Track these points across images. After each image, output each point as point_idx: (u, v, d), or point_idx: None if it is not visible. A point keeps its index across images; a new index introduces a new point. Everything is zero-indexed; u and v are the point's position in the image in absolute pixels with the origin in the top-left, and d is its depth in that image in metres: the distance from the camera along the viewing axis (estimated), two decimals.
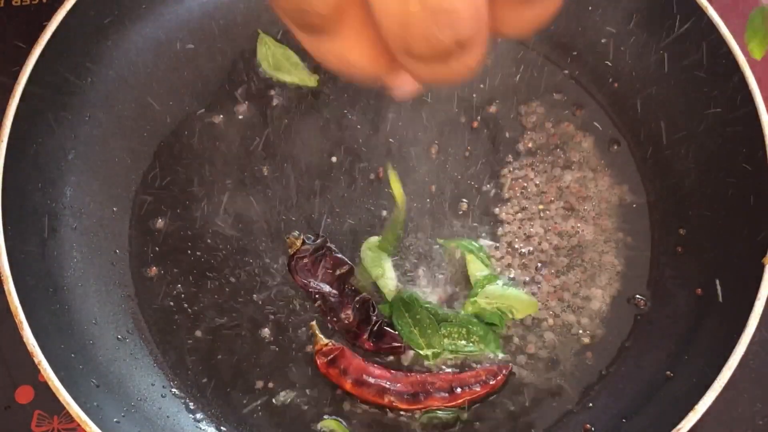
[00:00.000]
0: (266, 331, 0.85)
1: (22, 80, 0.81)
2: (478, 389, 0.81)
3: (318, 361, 0.82)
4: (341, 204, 0.91)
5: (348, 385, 0.81)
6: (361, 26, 0.39)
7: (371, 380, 0.81)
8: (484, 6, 0.38)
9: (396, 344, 0.83)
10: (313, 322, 0.84)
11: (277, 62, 0.96)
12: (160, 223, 0.90)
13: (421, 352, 0.83)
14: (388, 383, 0.81)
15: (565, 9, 1.00)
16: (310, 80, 0.96)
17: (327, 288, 0.85)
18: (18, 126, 0.80)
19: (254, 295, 0.87)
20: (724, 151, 0.86)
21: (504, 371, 0.82)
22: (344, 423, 0.81)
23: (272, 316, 0.86)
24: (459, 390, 0.81)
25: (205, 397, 0.83)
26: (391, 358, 0.84)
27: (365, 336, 0.83)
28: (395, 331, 0.84)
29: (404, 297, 0.85)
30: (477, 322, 0.84)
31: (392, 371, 0.82)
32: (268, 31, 0.97)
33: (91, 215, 0.88)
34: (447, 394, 0.81)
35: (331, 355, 0.82)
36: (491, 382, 0.81)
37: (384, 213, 0.90)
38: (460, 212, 0.90)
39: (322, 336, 0.83)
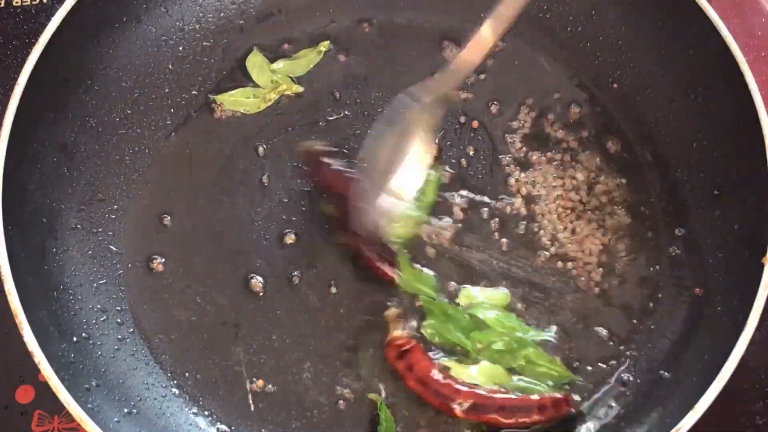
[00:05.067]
0: (267, 330, 0.85)
1: (22, 80, 0.81)
2: (537, 417, 0.79)
3: (388, 352, 0.82)
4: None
5: (411, 381, 0.80)
6: None
7: (435, 382, 0.80)
8: None
9: (389, 272, 0.84)
10: (389, 311, 0.84)
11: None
12: (160, 222, 0.90)
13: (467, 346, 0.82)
14: (449, 391, 0.80)
15: (566, 10, 1.01)
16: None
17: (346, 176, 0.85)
18: (18, 126, 0.80)
19: (256, 296, 0.87)
20: (724, 151, 0.86)
21: (569, 400, 0.80)
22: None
23: (273, 316, 0.86)
24: (518, 414, 0.79)
25: (205, 397, 0.83)
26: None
27: (367, 246, 0.83)
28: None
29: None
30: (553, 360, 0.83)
31: (457, 380, 0.81)
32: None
33: (91, 215, 0.88)
34: (507, 413, 0.79)
35: (402, 349, 0.81)
36: (552, 413, 0.79)
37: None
38: (459, 212, 0.90)
39: (398, 328, 0.83)
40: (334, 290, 0.87)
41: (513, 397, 0.80)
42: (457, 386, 0.80)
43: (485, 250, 0.89)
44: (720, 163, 0.86)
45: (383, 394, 0.82)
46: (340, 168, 0.85)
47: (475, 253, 0.88)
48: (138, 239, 0.89)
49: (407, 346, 0.82)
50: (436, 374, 0.81)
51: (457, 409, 0.79)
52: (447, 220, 0.86)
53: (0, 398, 0.86)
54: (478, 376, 0.82)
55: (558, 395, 0.80)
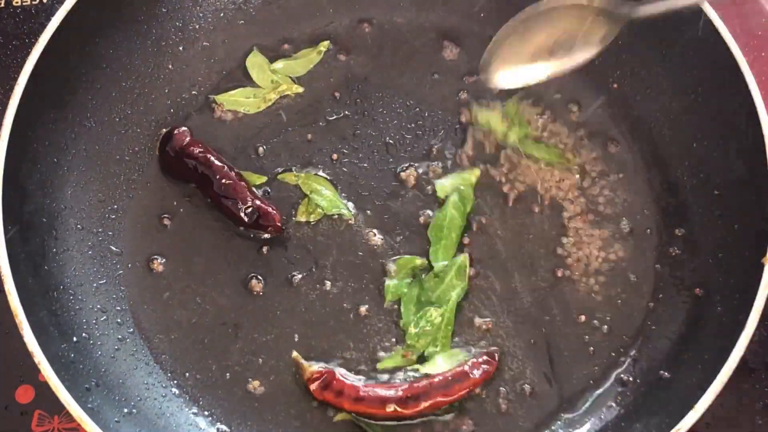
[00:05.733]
0: (267, 330, 0.86)
1: (23, 80, 0.81)
2: (475, 379, 0.81)
3: (311, 389, 0.81)
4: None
5: (347, 404, 0.80)
6: None
7: (370, 394, 0.80)
8: None
9: (276, 224, 0.87)
10: (294, 354, 0.83)
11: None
12: (160, 222, 0.90)
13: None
14: (386, 393, 0.80)
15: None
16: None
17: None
18: (18, 126, 0.80)
19: (256, 296, 0.87)
20: (723, 151, 0.86)
21: (495, 356, 0.83)
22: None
23: (273, 316, 0.86)
24: (457, 385, 0.81)
25: (205, 397, 0.83)
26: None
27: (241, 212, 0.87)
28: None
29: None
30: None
31: (388, 383, 0.82)
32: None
33: (91, 215, 0.88)
34: (446, 389, 0.80)
35: (322, 380, 0.81)
36: (486, 369, 0.82)
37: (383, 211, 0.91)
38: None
39: (306, 364, 0.83)
40: (334, 290, 0.87)
41: (443, 372, 0.82)
42: (386, 388, 0.81)
43: None
44: (720, 163, 0.86)
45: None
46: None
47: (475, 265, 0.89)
48: (138, 239, 0.89)
49: (325, 375, 0.81)
50: (365, 388, 0.81)
51: (400, 407, 0.79)
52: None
53: (0, 398, 0.86)
54: (444, 364, 0.83)
55: (484, 356, 0.82)
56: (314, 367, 0.82)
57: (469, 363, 0.82)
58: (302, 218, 0.90)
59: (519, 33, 0.77)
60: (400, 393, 0.80)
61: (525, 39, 0.78)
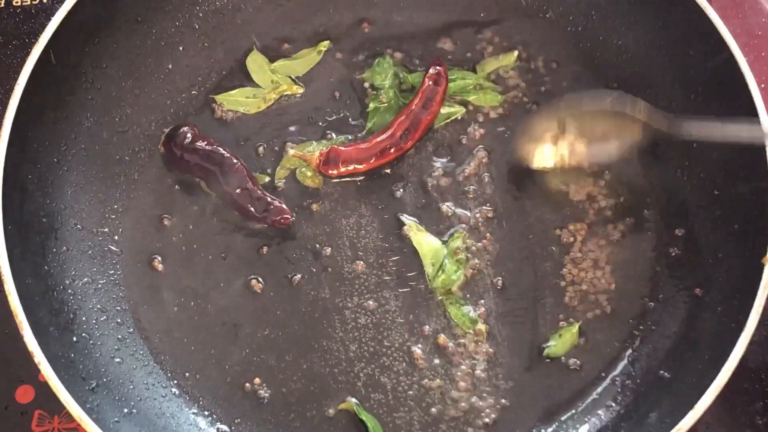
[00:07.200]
0: (267, 330, 0.86)
1: (22, 80, 0.81)
2: (439, 87, 0.92)
3: (321, 170, 0.90)
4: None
5: (354, 167, 0.90)
6: None
7: (371, 143, 0.90)
8: None
9: (285, 216, 0.88)
10: (293, 152, 0.91)
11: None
12: (160, 222, 0.90)
13: None
14: (382, 138, 0.90)
15: (566, 10, 1.00)
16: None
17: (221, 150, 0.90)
18: (18, 126, 0.80)
19: (256, 296, 0.87)
20: (723, 152, 0.86)
21: (439, 61, 0.93)
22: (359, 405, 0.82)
23: (273, 316, 0.86)
24: (430, 102, 0.91)
25: (205, 397, 0.83)
26: None
27: (249, 204, 0.88)
28: None
29: None
30: None
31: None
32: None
33: (91, 215, 0.88)
34: (426, 109, 0.91)
35: (326, 157, 0.89)
36: (439, 73, 0.92)
37: (384, 207, 0.91)
38: (453, 212, 0.91)
39: (308, 152, 0.91)
40: (335, 290, 0.87)
41: (412, 102, 0.92)
42: (379, 136, 0.90)
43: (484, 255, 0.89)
44: (720, 163, 0.86)
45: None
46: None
47: (472, 260, 0.89)
48: (138, 239, 0.89)
49: (328, 152, 0.89)
50: (362, 145, 0.90)
51: (402, 142, 0.90)
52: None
53: (0, 398, 0.86)
54: None
55: (432, 68, 0.93)
56: (315, 153, 0.90)
57: (425, 84, 0.91)
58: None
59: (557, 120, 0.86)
60: (392, 131, 0.90)
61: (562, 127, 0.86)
